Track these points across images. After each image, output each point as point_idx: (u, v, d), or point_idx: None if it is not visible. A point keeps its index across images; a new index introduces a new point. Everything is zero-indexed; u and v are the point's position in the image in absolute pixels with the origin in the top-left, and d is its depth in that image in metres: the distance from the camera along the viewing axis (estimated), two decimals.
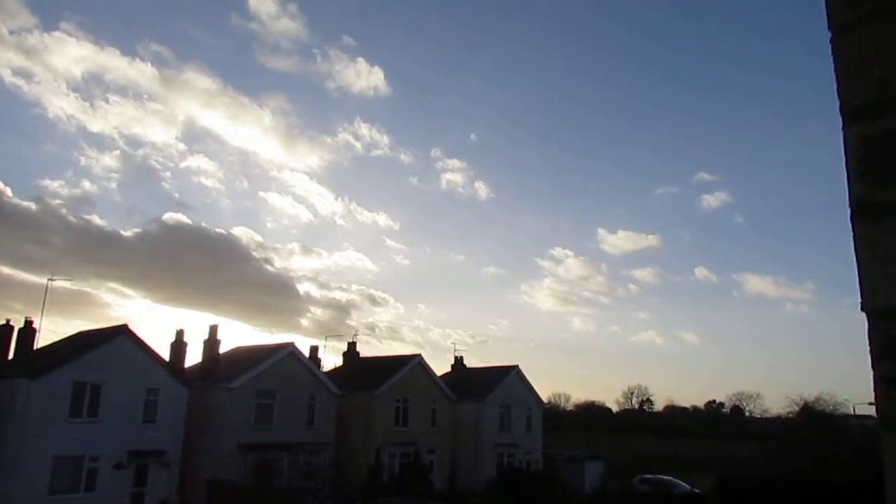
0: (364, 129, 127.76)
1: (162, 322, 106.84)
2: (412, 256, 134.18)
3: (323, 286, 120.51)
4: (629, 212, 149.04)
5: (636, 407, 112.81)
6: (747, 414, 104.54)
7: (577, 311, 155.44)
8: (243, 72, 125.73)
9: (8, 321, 29.62)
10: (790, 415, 61.32)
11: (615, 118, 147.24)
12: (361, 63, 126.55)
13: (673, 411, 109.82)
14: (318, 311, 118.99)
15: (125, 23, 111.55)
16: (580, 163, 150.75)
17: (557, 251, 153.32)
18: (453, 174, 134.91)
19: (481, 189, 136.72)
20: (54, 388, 25.72)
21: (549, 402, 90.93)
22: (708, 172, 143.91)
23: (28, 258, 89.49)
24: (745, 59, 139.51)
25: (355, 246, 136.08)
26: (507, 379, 43.83)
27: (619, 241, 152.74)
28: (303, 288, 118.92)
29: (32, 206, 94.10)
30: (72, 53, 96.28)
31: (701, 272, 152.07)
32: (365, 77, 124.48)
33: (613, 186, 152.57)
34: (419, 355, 39.60)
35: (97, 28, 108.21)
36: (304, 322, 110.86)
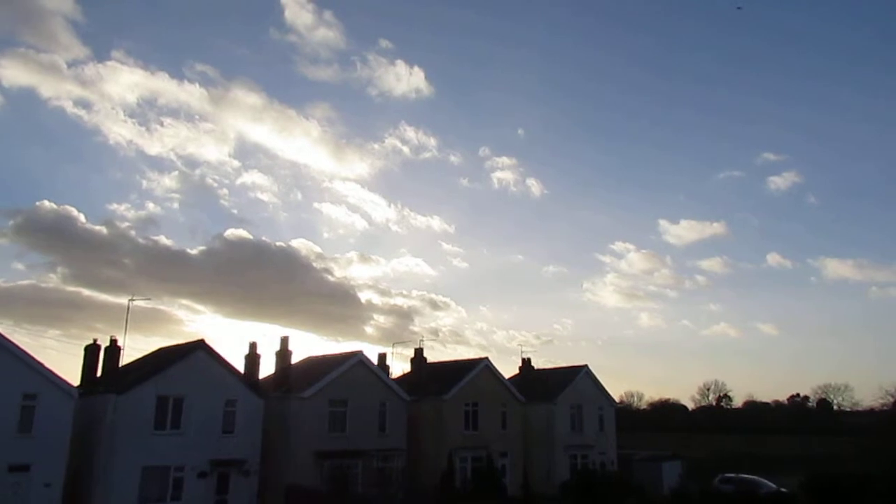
0: (410, 133, 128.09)
1: (232, 335, 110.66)
2: (469, 259, 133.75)
3: (384, 293, 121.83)
4: (691, 200, 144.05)
5: (713, 403, 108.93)
6: (836, 407, 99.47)
7: (643, 307, 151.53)
8: (287, 84, 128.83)
9: (95, 341, 31.27)
10: (884, 406, 57.87)
11: (669, 103, 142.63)
12: (401, 65, 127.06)
13: (753, 407, 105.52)
14: (380, 319, 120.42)
15: (171, 46, 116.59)
16: (636, 152, 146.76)
17: (618, 245, 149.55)
18: (503, 172, 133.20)
19: (534, 186, 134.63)
20: (140, 403, 26.96)
21: (621, 402, 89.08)
22: (773, 153, 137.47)
23: (104, 280, 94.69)
24: (805, 37, 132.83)
25: (412, 251, 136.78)
26: (576, 379, 43.21)
27: (682, 231, 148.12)
28: (364, 296, 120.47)
29: (104, 230, 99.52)
30: (125, 80, 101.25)
31: (774, 259, 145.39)
32: (405, 79, 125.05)
33: (672, 174, 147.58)
34: (486, 358, 39.51)
35: (145, 53, 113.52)
36: (369, 330, 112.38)
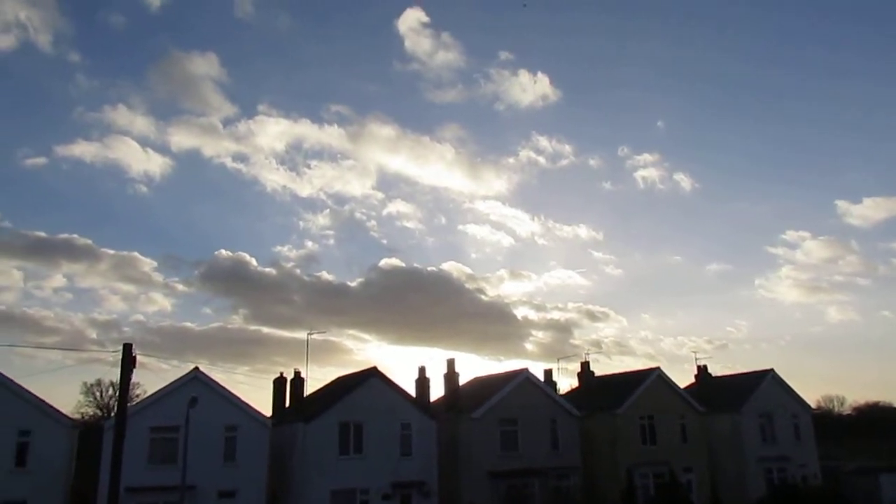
0: (544, 142, 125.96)
1: (398, 361, 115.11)
2: (623, 265, 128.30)
3: (539, 308, 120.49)
4: (872, 174, 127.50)
5: None
6: None
7: (830, 300, 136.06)
8: (416, 112, 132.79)
9: (281, 374, 34.14)
10: None
11: (829, 74, 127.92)
12: (524, 74, 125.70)
13: None
14: (539, 334, 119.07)
15: (307, 93, 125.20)
16: (796, 133, 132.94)
17: (790, 235, 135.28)
18: (647, 170, 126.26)
19: (683, 181, 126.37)
20: (325, 429, 28.79)
21: (819, 408, 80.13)
22: None
23: (279, 317, 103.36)
24: None
25: (562, 263, 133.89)
26: (762, 385, 39.65)
27: (866, 211, 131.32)
28: (520, 313, 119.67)
29: (273, 271, 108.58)
30: (272, 131, 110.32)
31: None
32: (531, 88, 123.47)
33: (845, 150, 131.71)
34: (658, 368, 37.55)
35: (286, 103, 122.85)
36: (529, 346, 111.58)
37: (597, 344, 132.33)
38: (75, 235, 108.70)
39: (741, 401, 38.47)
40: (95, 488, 24.27)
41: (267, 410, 31.92)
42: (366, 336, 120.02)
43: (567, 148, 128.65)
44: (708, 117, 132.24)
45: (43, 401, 25.44)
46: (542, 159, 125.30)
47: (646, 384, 36.38)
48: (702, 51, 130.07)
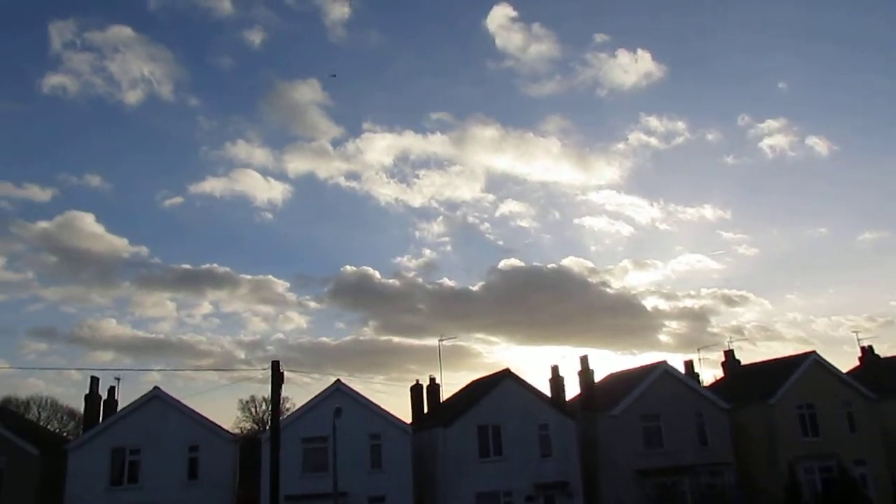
0: (654, 122, 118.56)
1: (528, 361, 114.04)
2: (758, 243, 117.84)
3: (669, 297, 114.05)
4: None
5: None
6: None
7: None
8: (516, 109, 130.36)
9: (417, 381, 35.07)
10: None
11: None
12: (623, 55, 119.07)
13: None
14: (672, 325, 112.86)
15: (407, 105, 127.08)
16: None
17: None
18: (773, 138, 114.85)
19: (817, 145, 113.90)
20: (463, 433, 29.19)
21: None
22: None
23: (406, 326, 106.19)
24: None
25: (689, 248, 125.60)
26: None
27: None
28: (649, 303, 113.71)
29: (396, 282, 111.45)
30: (379, 146, 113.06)
31: None
32: (632, 68, 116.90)
33: None
34: (813, 352, 34.53)
35: (388, 118, 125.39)
36: (663, 338, 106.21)
37: (738, 330, 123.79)
38: (215, 265, 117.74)
39: None
40: (258, 497, 26.15)
41: (406, 417, 32.88)
42: (493, 338, 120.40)
43: (680, 125, 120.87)
44: (839, 72, 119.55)
45: (207, 418, 27.87)
46: (653, 140, 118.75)
47: (801, 370, 33.57)
48: (814, 6, 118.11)
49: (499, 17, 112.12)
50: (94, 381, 28.67)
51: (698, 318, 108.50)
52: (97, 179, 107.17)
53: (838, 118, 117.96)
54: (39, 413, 55.75)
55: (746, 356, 53.87)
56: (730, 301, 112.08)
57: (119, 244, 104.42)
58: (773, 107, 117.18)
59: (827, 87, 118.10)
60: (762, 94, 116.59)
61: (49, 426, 51.82)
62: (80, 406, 31.87)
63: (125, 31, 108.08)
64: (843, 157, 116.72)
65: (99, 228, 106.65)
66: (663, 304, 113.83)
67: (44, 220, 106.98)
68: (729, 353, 38.65)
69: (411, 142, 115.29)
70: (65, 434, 48.90)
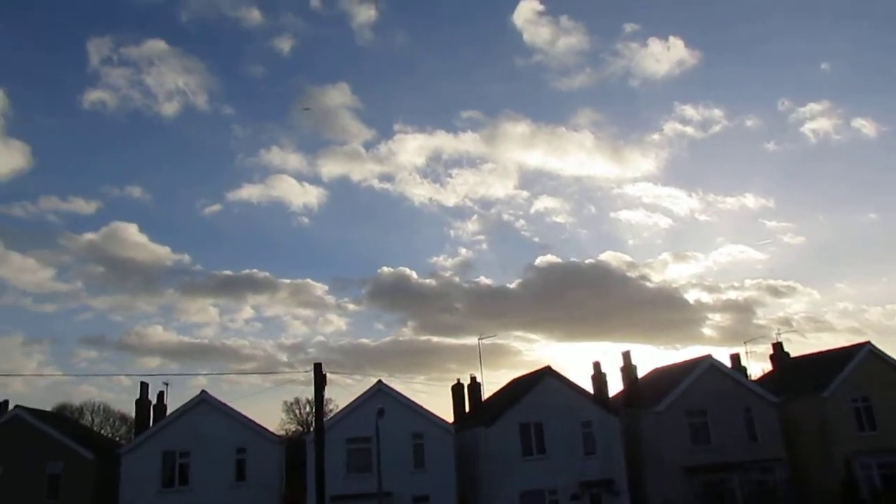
0: (689, 110, 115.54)
1: (569, 358, 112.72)
2: (804, 231, 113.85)
3: (712, 289, 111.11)
4: None
5: None
6: None
7: None
8: (547, 104, 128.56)
9: (458, 380, 35.03)
10: None
11: None
12: (654, 43, 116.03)
13: None
14: (716, 318, 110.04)
15: (436, 106, 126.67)
16: None
17: None
18: (816, 122, 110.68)
19: (864, 127, 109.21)
20: (506, 432, 29.06)
21: None
22: None
23: (445, 325, 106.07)
24: None
25: (730, 238, 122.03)
26: None
27: None
28: (691, 296, 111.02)
29: (433, 282, 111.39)
30: (410, 147, 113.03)
31: None
32: (664, 56, 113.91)
33: None
34: (868, 343, 33.32)
35: (419, 119, 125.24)
36: (706, 331, 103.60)
37: (786, 322, 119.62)
38: (255, 270, 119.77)
39: None
40: (304, 498, 26.48)
41: (447, 416, 32.88)
42: (532, 336, 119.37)
43: (717, 112, 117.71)
44: (880, 53, 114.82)
45: (253, 421, 28.36)
46: (689, 129, 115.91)
47: (855, 361, 32.44)
48: None
49: (526, 12, 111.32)
50: (144, 387, 29.47)
51: (743, 310, 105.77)
52: (138, 190, 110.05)
53: (886, 98, 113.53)
54: (93, 418, 57.56)
55: (795, 348, 52.41)
56: (776, 292, 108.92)
57: (162, 253, 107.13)
58: (816, 89, 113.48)
59: (872, 67, 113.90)
60: (803, 77, 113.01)
61: (102, 431, 53.43)
62: (131, 411, 32.72)
63: (159, 45, 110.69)
64: (892, 139, 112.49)
65: (142, 238, 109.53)
66: (706, 297, 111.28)
67: (90, 232, 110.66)
68: (777, 346, 37.59)
69: (443, 141, 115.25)
70: (117, 438, 50.35)
